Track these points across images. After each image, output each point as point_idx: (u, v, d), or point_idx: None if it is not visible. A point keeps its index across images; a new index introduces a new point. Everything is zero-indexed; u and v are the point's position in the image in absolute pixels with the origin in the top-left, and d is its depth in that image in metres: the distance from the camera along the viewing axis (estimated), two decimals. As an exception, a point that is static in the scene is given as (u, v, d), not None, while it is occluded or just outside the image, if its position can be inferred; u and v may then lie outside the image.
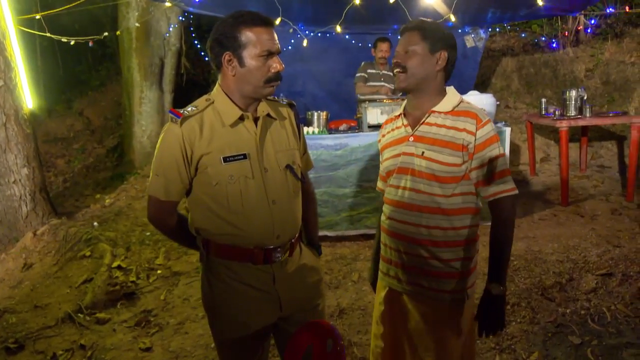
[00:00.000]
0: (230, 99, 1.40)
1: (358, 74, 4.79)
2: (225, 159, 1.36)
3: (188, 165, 1.37)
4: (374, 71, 4.73)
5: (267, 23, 1.36)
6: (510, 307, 2.74)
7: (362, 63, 4.82)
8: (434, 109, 1.50)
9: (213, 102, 1.40)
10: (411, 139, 1.53)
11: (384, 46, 4.62)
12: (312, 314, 1.54)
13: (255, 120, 1.43)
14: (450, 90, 1.55)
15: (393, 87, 4.66)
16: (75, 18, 7.90)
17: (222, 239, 1.41)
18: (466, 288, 1.53)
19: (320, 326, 1.33)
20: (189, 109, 1.39)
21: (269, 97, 1.48)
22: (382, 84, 4.65)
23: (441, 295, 1.52)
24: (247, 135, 1.40)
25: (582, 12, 5.48)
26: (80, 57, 9.66)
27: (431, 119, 1.51)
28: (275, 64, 1.36)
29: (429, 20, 1.54)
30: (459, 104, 1.50)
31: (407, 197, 1.52)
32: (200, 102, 1.42)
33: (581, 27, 6.06)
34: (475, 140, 1.44)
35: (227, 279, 1.42)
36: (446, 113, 1.49)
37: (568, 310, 2.68)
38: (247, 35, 1.33)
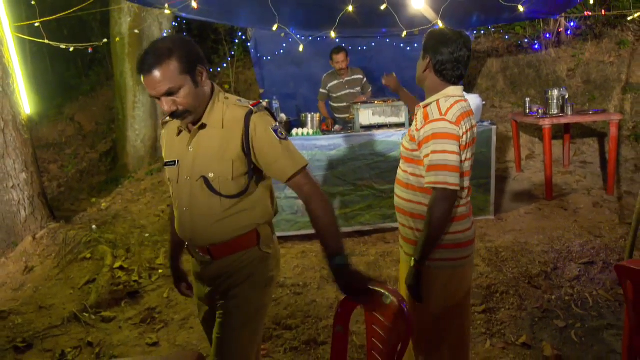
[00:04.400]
0: None
1: (320, 90, 4.87)
2: (166, 164, 1.62)
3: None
4: (336, 82, 4.79)
5: (144, 70, 1.39)
6: (499, 295, 2.90)
7: (324, 76, 4.84)
8: (420, 104, 1.78)
9: None
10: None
11: (338, 57, 4.59)
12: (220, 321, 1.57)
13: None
14: (445, 90, 1.72)
15: (359, 90, 4.79)
16: (64, 23, 7.94)
17: None
18: (430, 259, 1.66)
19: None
20: (166, 118, 1.65)
21: (231, 99, 1.53)
22: (347, 91, 4.76)
23: (409, 259, 1.72)
24: (181, 143, 1.56)
25: (563, 14, 5.69)
26: (70, 63, 9.66)
27: (417, 112, 1.79)
28: (163, 106, 1.43)
29: (435, 30, 1.77)
30: (431, 102, 1.71)
31: (398, 173, 1.84)
32: None
33: (562, 29, 6.28)
34: (419, 136, 1.68)
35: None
36: (422, 107, 1.75)
37: (553, 297, 2.85)
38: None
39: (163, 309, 3.16)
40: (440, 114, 1.63)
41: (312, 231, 4.21)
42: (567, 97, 4.70)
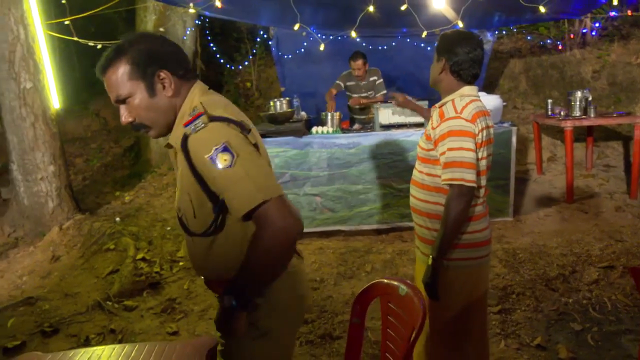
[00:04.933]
0: None
1: (335, 81, 4.84)
2: None
3: None
4: (353, 83, 4.79)
5: (100, 73, 1.23)
6: (515, 296, 2.90)
7: (344, 72, 4.83)
8: (436, 104, 1.80)
9: None
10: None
11: (355, 64, 4.54)
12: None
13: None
14: (461, 90, 1.74)
15: (372, 93, 4.78)
16: (91, 21, 8.15)
17: None
18: (447, 259, 1.68)
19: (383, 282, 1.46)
20: None
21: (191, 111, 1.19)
22: (364, 94, 4.76)
23: (426, 259, 1.75)
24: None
25: (588, 15, 5.60)
26: (96, 60, 9.80)
27: (433, 112, 1.81)
28: (120, 115, 1.23)
29: (447, 32, 1.80)
30: (446, 102, 1.74)
31: (413, 174, 1.87)
32: None
33: (587, 29, 6.17)
34: (434, 134, 1.70)
35: None
36: (438, 107, 1.78)
37: (570, 300, 2.83)
38: None
39: (183, 300, 3.25)
40: (456, 112, 1.66)
41: (329, 228, 4.21)
42: (590, 99, 4.63)
